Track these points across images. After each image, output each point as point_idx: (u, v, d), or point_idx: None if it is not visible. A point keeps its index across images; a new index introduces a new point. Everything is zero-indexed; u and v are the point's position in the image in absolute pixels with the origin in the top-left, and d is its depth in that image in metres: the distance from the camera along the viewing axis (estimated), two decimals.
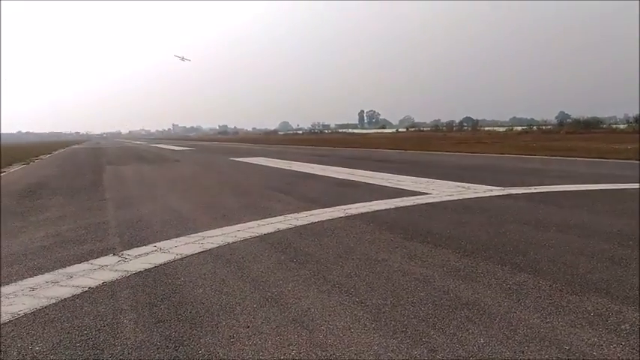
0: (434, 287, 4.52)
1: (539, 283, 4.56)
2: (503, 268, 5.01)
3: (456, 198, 9.78)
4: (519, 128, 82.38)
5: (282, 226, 7.32)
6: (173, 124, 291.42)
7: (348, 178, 14.16)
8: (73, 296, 4.59)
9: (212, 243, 6.40)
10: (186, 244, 6.43)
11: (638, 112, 62.38)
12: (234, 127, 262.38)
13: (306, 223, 7.57)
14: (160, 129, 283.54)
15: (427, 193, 10.49)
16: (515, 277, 4.74)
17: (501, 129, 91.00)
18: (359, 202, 9.37)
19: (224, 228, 7.29)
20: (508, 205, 8.84)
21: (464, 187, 11.27)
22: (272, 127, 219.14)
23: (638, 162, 17.55)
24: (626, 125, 65.88)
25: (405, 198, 9.87)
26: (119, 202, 10.52)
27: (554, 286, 4.48)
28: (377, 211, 8.51)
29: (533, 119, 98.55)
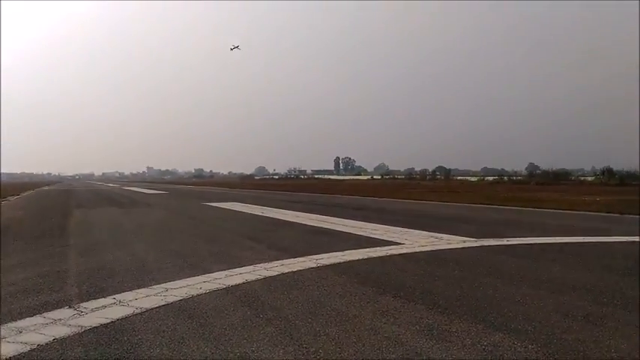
0: (405, 348, 4.30)
1: (514, 344, 4.39)
2: (478, 327, 4.83)
3: (429, 249, 9.66)
4: (490, 178, 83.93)
5: (251, 277, 7.05)
6: (148, 167, 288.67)
7: (322, 226, 13.98)
8: (18, 355, 4.23)
9: (175, 295, 6.08)
10: (147, 296, 6.10)
11: (604, 166, 64.18)
12: (210, 170, 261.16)
13: (276, 273, 7.31)
14: (135, 171, 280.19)
15: (401, 243, 10.36)
16: (490, 336, 4.57)
17: (473, 179, 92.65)
18: (332, 252, 9.17)
19: (190, 279, 6.98)
20: (481, 257, 8.75)
21: (437, 238, 11.19)
22: (248, 172, 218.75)
23: (606, 214, 17.85)
24: (593, 177, 67.68)
25: (378, 248, 9.71)
26: (83, 249, 10.10)
27: (530, 347, 4.31)
28: (350, 261, 8.31)
29: (503, 169, 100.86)
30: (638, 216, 16.82)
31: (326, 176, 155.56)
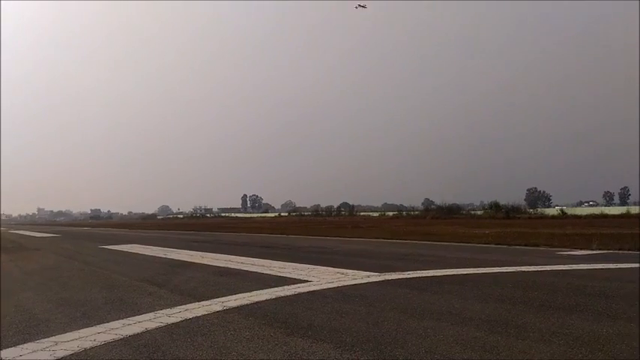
0: None
1: None
2: None
3: (336, 285, 9.76)
4: (391, 213, 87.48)
5: (152, 325, 6.66)
6: (39, 208, 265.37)
7: (229, 266, 13.65)
8: None
9: (66, 349, 5.58)
10: (34, 351, 5.55)
11: (491, 200, 69.55)
12: (109, 210, 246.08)
13: (179, 320, 6.98)
14: (24, 213, 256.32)
15: (308, 281, 10.37)
16: None
17: (375, 214, 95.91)
18: (239, 293, 8.95)
19: (83, 330, 6.45)
20: (385, 292, 8.98)
21: (343, 274, 11.35)
22: (150, 211, 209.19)
23: (496, 245, 19.20)
24: (482, 212, 72.79)
25: (286, 287, 9.64)
26: None
27: None
28: (257, 302, 8.15)
29: (402, 205, 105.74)
30: (524, 247, 18.30)
31: (233, 214, 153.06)
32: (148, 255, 18.66)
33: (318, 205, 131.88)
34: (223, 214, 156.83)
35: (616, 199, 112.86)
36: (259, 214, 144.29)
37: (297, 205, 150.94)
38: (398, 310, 7.36)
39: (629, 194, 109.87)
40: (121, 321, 6.94)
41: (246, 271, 12.60)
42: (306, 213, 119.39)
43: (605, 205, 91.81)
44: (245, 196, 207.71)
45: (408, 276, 10.91)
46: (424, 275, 11.04)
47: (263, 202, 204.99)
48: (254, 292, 9.04)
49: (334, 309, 7.51)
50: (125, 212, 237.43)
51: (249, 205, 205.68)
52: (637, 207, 65.22)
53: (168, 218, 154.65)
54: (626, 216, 51.41)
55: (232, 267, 13.52)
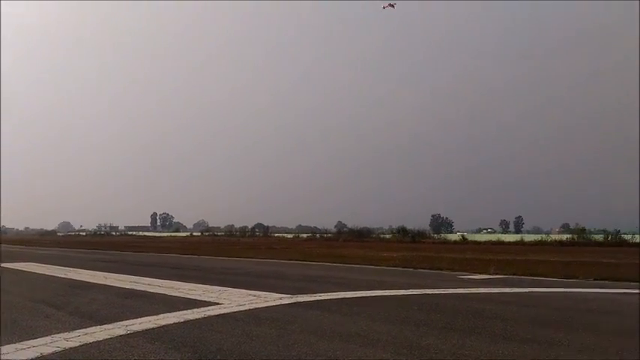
0: None
1: None
2: None
3: (247, 308, 9.68)
4: (305, 235, 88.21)
5: (48, 350, 6.24)
6: None
7: (135, 288, 13.08)
8: None
9: None
10: None
11: (399, 225, 72.52)
12: (4, 226, 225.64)
13: (78, 344, 6.59)
14: None
15: (219, 303, 10.20)
16: None
17: (289, 235, 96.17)
18: (144, 316, 8.61)
19: None
20: (297, 314, 9.05)
21: (255, 296, 11.28)
22: (50, 227, 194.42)
23: (403, 269, 19.97)
24: (391, 235, 75.51)
25: (195, 309, 9.41)
26: None
27: None
28: (164, 325, 7.89)
29: (316, 227, 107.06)
30: (428, 270, 19.20)
31: (141, 233, 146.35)
32: (46, 274, 17.41)
33: (232, 225, 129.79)
34: (130, 233, 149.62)
35: (511, 227, 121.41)
36: (169, 234, 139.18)
37: (210, 225, 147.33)
38: (309, 332, 7.45)
39: (523, 223, 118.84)
40: (13, 345, 6.44)
41: (153, 293, 12.15)
42: (219, 233, 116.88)
43: (502, 233, 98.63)
44: (155, 214, 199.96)
45: (320, 298, 11.07)
46: (335, 297, 11.24)
47: (174, 220, 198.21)
48: (161, 315, 8.74)
49: (245, 332, 7.45)
50: (21, 227, 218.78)
51: (158, 224, 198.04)
52: (530, 235, 70.73)
53: (70, 235, 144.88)
54: (520, 243, 55.40)
55: (138, 289, 12.97)
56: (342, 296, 11.43)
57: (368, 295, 11.74)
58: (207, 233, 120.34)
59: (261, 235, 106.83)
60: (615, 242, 48.35)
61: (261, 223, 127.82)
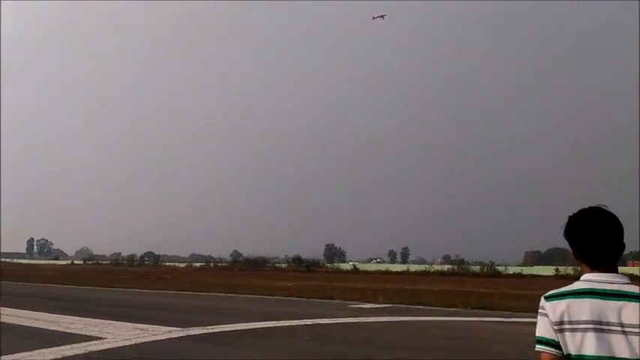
0: None
1: None
2: None
3: (133, 342, 9.23)
4: (198, 264, 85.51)
5: None
6: None
7: (5, 321, 11.89)
8: None
9: None
10: None
11: (294, 254, 73.04)
12: None
13: None
14: None
15: (102, 338, 9.60)
16: None
17: (181, 265, 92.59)
18: (15, 353, 7.88)
19: None
20: (187, 347, 8.80)
21: (143, 330, 10.77)
22: None
23: (297, 298, 20.14)
24: (286, 265, 75.66)
25: (75, 345, 8.79)
26: None
27: None
28: None
29: (210, 256, 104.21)
30: (321, 299, 19.55)
31: (16, 260, 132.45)
32: None
33: (119, 253, 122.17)
34: (3, 260, 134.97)
35: (398, 257, 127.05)
36: (48, 261, 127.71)
37: (95, 253, 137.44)
38: None
39: (409, 254, 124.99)
40: None
41: (28, 326, 11.15)
42: (104, 262, 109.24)
43: (390, 263, 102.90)
44: (32, 239, 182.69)
45: (212, 330, 10.83)
46: (228, 329, 11.07)
47: (53, 247, 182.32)
48: (36, 352, 8.07)
49: None
50: None
51: (35, 251, 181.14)
52: (415, 265, 74.61)
53: None
54: (407, 273, 58.20)
55: (9, 322, 11.83)
56: (235, 328, 11.28)
57: (261, 326, 11.70)
58: (90, 262, 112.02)
59: (151, 264, 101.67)
60: (490, 273, 52.49)
61: (151, 252, 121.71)
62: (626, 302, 1.70)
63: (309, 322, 12.57)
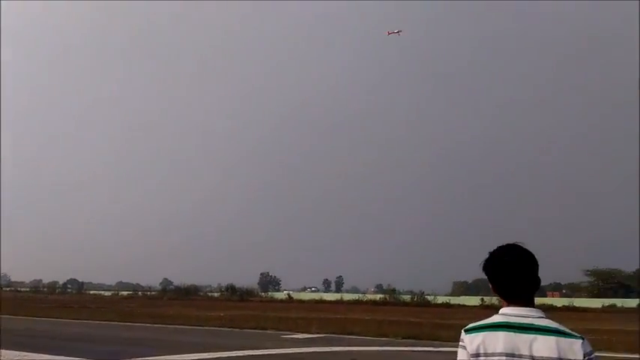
0: None
1: None
2: None
3: None
4: (125, 293, 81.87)
5: None
6: None
7: None
8: None
9: None
10: None
11: (228, 282, 71.49)
12: None
13: None
14: None
15: None
16: None
17: (107, 293, 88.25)
18: None
19: None
20: None
21: None
22: None
23: (229, 329, 19.72)
24: (219, 294, 73.88)
25: None
26: None
27: None
28: None
29: (139, 284, 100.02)
30: (254, 330, 19.26)
31: None
32: None
33: (40, 280, 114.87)
34: None
35: (333, 286, 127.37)
36: None
37: (13, 280, 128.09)
38: None
39: (343, 282, 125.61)
40: None
41: None
42: (23, 289, 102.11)
43: (324, 291, 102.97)
44: None
45: None
46: None
47: None
48: None
49: None
50: None
51: None
52: (349, 294, 75.17)
53: None
54: (341, 302, 58.41)
55: None
56: None
57: (188, 359, 11.37)
58: (8, 288, 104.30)
59: (74, 292, 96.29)
60: (420, 302, 53.70)
61: (74, 279, 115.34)
62: (538, 335, 1.81)
63: (240, 354, 12.35)
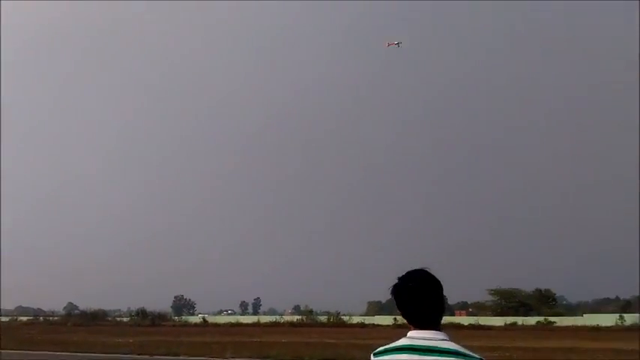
0: None
1: None
2: None
3: None
4: (25, 318, 75.85)
5: None
6: None
7: None
8: None
9: None
10: None
11: (138, 307, 68.21)
12: None
13: None
14: None
15: None
16: None
17: (5, 319, 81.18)
18: None
19: None
20: None
21: None
22: None
23: (138, 356, 18.99)
24: (129, 318, 70.30)
25: None
26: None
27: None
28: None
29: (40, 309, 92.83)
30: (165, 356, 18.70)
31: None
32: None
33: None
34: None
35: (250, 308, 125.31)
36: None
37: None
38: None
39: (261, 304, 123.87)
40: None
41: None
42: None
43: (241, 314, 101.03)
44: None
45: None
46: None
47: None
48: None
49: None
50: None
51: None
52: (266, 316, 74.42)
53: None
54: (257, 324, 57.69)
55: None
56: None
57: None
58: None
59: None
60: (336, 323, 54.33)
61: None
62: (440, 357, 1.93)
63: None
